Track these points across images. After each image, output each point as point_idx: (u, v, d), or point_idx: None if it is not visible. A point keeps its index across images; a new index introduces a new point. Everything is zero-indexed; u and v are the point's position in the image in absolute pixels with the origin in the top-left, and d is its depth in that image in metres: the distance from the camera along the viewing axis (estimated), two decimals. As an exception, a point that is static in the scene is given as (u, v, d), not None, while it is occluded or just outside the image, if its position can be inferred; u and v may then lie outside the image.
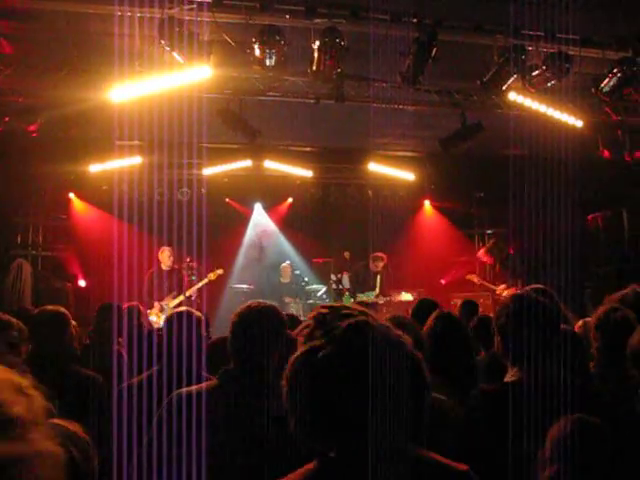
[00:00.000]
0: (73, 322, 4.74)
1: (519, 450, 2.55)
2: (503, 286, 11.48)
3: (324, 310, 1.76)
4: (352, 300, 11.40)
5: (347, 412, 1.62)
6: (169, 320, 3.97)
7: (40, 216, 12.38)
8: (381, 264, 11.93)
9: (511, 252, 11.91)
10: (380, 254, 11.88)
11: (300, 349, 1.68)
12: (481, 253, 12.54)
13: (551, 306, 3.14)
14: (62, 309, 4.49)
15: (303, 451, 1.76)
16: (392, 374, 1.62)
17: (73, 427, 1.91)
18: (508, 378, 3.07)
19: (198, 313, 4.08)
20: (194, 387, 3.13)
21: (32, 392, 1.21)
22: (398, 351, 1.69)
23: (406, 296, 11.95)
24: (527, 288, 4.93)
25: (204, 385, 3.13)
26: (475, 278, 11.96)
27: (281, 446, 2.74)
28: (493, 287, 11.74)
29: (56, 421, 1.83)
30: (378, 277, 11.98)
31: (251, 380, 3.05)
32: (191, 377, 3.32)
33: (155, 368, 3.79)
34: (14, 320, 3.75)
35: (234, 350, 3.16)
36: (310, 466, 1.72)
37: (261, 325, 3.12)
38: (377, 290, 11.90)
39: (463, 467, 1.76)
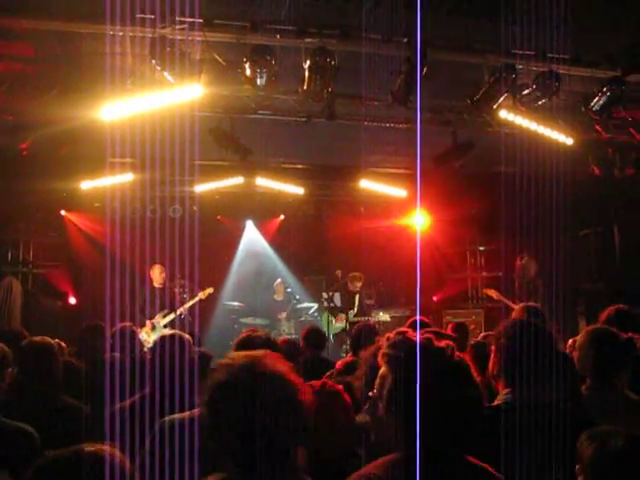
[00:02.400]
0: (62, 344, 4.72)
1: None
2: (521, 306, 11.29)
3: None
4: (334, 318, 11.42)
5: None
6: (160, 343, 3.95)
7: (31, 233, 12.34)
8: (359, 284, 11.88)
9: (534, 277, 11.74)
10: (358, 274, 11.84)
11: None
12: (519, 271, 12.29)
13: (548, 331, 3.16)
14: (48, 341, 4.44)
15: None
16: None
17: None
18: (499, 400, 3.08)
19: (187, 336, 4.07)
20: (186, 413, 3.12)
21: None
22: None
23: (384, 316, 11.90)
24: (521, 305, 4.94)
25: (196, 411, 3.09)
26: (494, 293, 11.78)
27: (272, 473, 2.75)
28: (512, 305, 11.59)
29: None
30: (357, 297, 11.94)
31: None
32: (183, 401, 3.32)
33: (146, 391, 3.76)
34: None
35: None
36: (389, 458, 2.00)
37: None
38: (355, 310, 11.86)
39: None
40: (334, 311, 11.66)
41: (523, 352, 2.96)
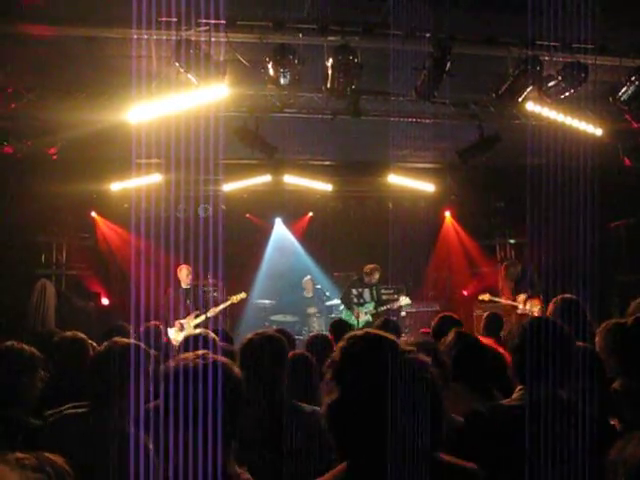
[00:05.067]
0: (93, 344, 4.81)
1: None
2: (523, 296, 11.30)
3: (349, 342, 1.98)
4: (353, 313, 11.38)
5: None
6: (185, 343, 4.02)
7: (63, 235, 12.52)
8: (377, 275, 11.81)
9: (524, 268, 11.71)
10: (374, 265, 11.78)
11: (333, 390, 1.94)
12: (502, 286, 12.35)
13: (566, 331, 3.13)
14: (80, 336, 4.57)
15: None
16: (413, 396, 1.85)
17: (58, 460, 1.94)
18: (509, 400, 3.09)
19: (212, 335, 4.14)
20: None
21: None
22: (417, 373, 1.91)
23: (405, 300, 11.82)
24: (559, 297, 4.89)
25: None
26: (487, 297, 11.79)
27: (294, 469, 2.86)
28: (512, 303, 11.57)
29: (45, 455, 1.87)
30: (374, 289, 11.88)
31: (260, 400, 3.20)
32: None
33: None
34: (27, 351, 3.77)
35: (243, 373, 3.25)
36: (341, 468, 1.96)
37: (265, 354, 3.29)
38: (373, 303, 11.82)
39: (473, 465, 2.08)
40: (351, 306, 11.61)
41: (534, 351, 2.93)
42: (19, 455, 1.76)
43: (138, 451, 2.71)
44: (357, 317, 11.38)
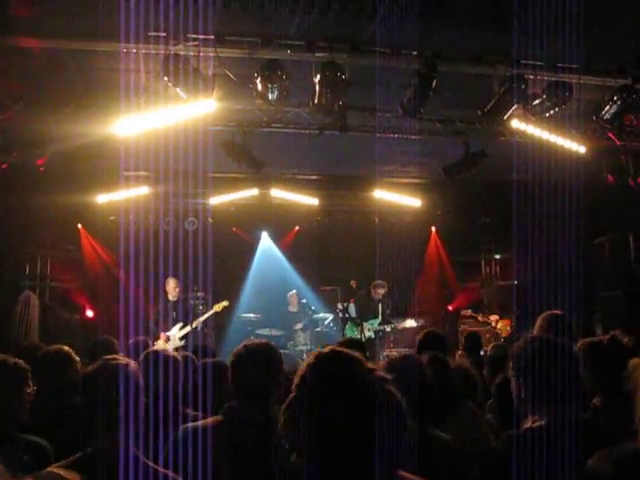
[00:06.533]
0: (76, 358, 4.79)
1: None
2: (495, 317, 11.58)
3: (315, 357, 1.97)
4: (357, 328, 11.37)
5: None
6: (144, 360, 3.99)
7: (48, 247, 12.45)
8: (382, 291, 11.86)
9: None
10: (381, 281, 11.84)
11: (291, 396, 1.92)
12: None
13: (569, 345, 3.12)
14: (64, 349, 4.56)
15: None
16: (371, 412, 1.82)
17: (69, 475, 1.94)
18: (530, 423, 3.00)
19: (175, 354, 4.16)
20: (199, 422, 3.23)
21: None
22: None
23: (410, 322, 11.89)
24: (546, 313, 4.92)
25: (209, 421, 3.22)
26: (469, 313, 12.02)
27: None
28: (487, 320, 11.79)
29: (53, 470, 1.87)
30: (380, 305, 11.93)
31: (255, 415, 3.13)
32: (177, 415, 3.52)
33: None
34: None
35: (236, 388, 3.22)
36: None
37: (258, 363, 3.19)
38: (380, 318, 11.86)
39: None
40: (354, 321, 11.61)
41: (545, 371, 2.89)
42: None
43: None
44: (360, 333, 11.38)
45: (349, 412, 1.82)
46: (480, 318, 11.87)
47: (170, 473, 2.83)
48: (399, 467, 1.96)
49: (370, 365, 1.99)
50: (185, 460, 2.91)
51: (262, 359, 3.23)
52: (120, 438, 2.74)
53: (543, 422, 2.91)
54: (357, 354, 2.00)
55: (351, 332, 11.35)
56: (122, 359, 3.03)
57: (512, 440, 2.94)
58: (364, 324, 11.41)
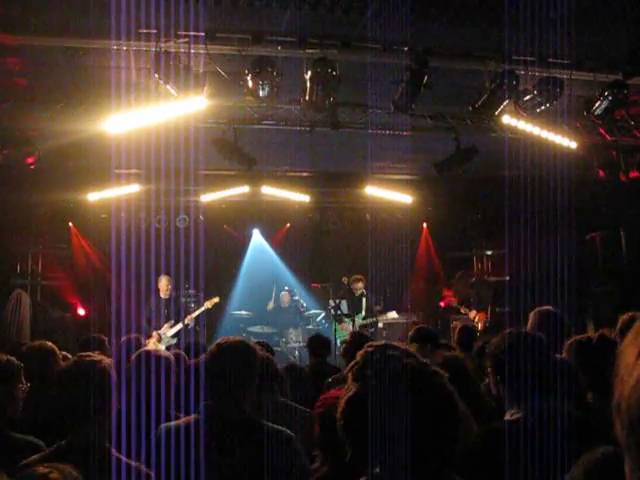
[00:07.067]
0: (68, 355, 4.78)
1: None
2: (474, 312, 11.75)
3: (371, 349, 2.01)
4: (340, 325, 11.45)
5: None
6: (136, 360, 4.00)
7: (39, 245, 12.43)
8: (361, 285, 11.95)
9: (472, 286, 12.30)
10: (359, 276, 11.92)
11: (352, 389, 1.96)
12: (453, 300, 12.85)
13: (543, 340, 3.16)
14: (47, 344, 4.56)
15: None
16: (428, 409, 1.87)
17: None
18: (509, 416, 3.05)
19: (166, 353, 4.16)
20: (179, 421, 3.26)
21: None
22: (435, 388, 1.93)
23: (392, 315, 11.97)
24: (538, 309, 4.94)
25: (187, 419, 3.23)
26: (454, 303, 12.29)
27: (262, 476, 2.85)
28: (468, 313, 11.94)
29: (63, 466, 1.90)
30: (363, 299, 11.99)
31: (229, 413, 3.14)
32: (159, 416, 3.52)
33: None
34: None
35: (210, 387, 3.23)
36: None
37: (233, 362, 3.20)
38: (363, 312, 11.90)
39: None
40: (339, 318, 11.69)
41: (521, 366, 2.94)
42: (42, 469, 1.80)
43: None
44: (343, 329, 11.44)
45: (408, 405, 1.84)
46: (462, 310, 12.04)
47: (142, 467, 2.92)
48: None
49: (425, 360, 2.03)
50: (162, 458, 2.98)
51: (235, 358, 3.23)
52: (93, 432, 2.88)
53: (520, 415, 2.96)
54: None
55: (334, 329, 11.43)
56: (96, 356, 3.16)
57: (489, 434, 3.03)
58: (349, 320, 11.48)
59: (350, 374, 2.01)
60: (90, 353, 3.27)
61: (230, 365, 3.19)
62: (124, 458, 2.90)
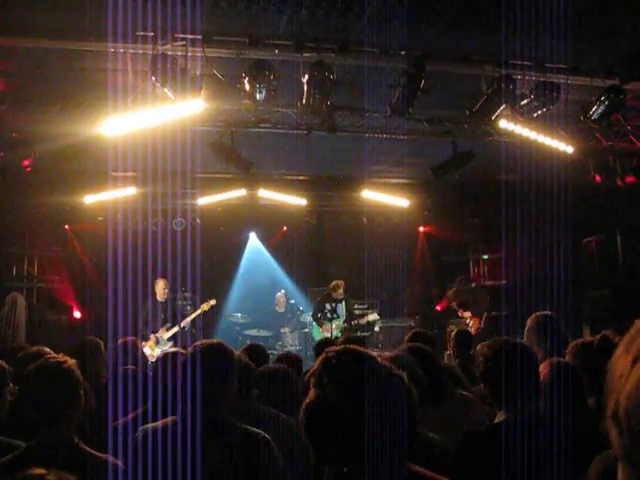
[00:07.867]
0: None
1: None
2: (468, 314, 11.82)
3: (329, 355, 2.06)
4: (344, 325, 11.48)
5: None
6: (161, 360, 4.01)
7: (35, 248, 12.40)
8: (341, 290, 11.97)
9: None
10: (338, 282, 11.96)
11: (311, 394, 2.03)
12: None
13: (526, 347, 3.25)
14: (45, 350, 4.52)
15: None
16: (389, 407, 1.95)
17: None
18: (497, 419, 3.16)
19: (183, 351, 4.14)
20: (159, 422, 3.28)
21: None
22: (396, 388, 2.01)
23: (373, 316, 12.02)
24: (535, 314, 4.96)
25: (165, 421, 3.25)
26: (454, 305, 12.32)
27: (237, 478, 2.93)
28: (464, 316, 11.99)
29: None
30: (343, 303, 12.01)
31: (205, 415, 3.15)
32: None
33: (143, 408, 3.81)
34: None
35: (188, 389, 3.23)
36: None
37: (209, 364, 3.21)
38: (344, 317, 11.93)
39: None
40: (320, 320, 11.77)
41: (505, 372, 3.03)
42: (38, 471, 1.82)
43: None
44: (326, 332, 11.46)
45: (368, 405, 1.92)
46: (460, 313, 12.10)
47: (110, 458, 3.04)
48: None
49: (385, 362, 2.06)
50: (140, 460, 3.02)
51: (212, 360, 3.24)
52: (61, 430, 3.02)
53: (502, 418, 3.10)
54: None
55: (317, 333, 11.51)
56: (61, 357, 3.26)
57: (472, 437, 3.15)
58: (329, 324, 11.54)
59: (311, 380, 2.05)
60: (55, 355, 3.41)
61: (207, 367, 3.19)
62: (94, 452, 3.05)
